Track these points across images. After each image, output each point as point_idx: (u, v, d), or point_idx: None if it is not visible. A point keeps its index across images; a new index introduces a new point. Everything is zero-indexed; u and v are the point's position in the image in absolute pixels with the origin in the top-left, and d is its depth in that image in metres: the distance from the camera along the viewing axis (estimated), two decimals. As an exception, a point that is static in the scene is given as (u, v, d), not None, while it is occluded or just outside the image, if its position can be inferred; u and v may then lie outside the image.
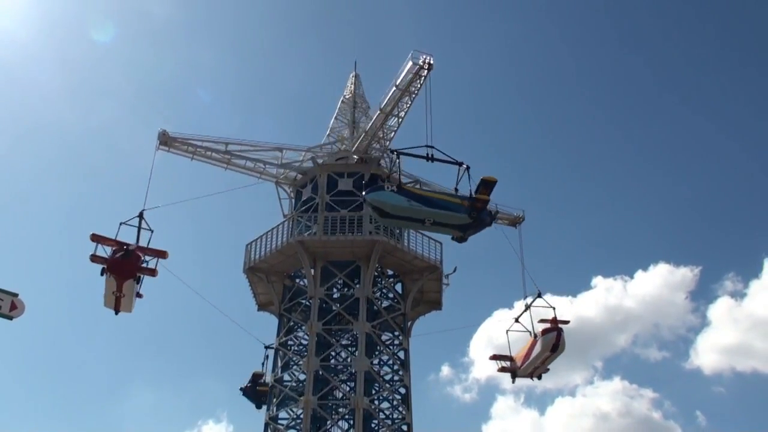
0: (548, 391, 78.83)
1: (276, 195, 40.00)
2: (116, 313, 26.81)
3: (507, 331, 31.23)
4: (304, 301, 37.36)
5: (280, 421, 35.76)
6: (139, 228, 25.77)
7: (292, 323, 37.46)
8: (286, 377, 36.69)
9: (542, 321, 30.02)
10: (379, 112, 36.10)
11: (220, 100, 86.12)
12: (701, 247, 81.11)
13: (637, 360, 72.50)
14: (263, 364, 38.93)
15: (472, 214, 22.49)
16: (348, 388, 36.01)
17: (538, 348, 30.11)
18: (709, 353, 76.37)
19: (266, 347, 38.52)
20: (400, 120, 35.94)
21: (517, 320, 31.18)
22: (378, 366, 36.93)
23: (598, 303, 73.70)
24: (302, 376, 35.87)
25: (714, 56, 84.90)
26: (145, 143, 77.88)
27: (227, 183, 38.95)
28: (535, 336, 30.49)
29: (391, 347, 37.35)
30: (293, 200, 39.77)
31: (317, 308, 35.66)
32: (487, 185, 21.97)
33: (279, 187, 39.99)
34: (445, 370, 70.62)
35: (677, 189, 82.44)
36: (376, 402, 36.28)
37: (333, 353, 37.11)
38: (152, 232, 25.62)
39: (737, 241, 79.65)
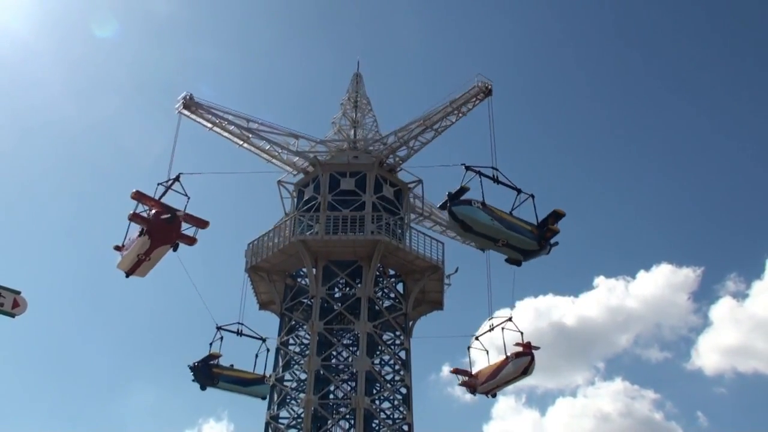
0: (549, 392, 79.02)
1: (278, 194, 40.05)
2: (127, 276, 26.16)
3: (468, 348, 34.42)
4: (305, 301, 37.36)
5: (280, 421, 35.74)
6: (168, 189, 24.84)
7: (293, 322, 37.45)
8: (287, 376, 36.68)
9: (517, 344, 32.24)
10: (421, 122, 36.87)
11: (222, 96, 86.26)
12: (704, 248, 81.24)
13: (639, 360, 72.60)
14: (211, 344, 36.70)
15: (541, 242, 23.63)
16: (349, 388, 36.01)
17: (509, 369, 32.25)
18: (710, 354, 76.52)
19: (218, 328, 36.85)
20: (437, 135, 37.06)
21: (477, 338, 34.03)
22: (379, 366, 36.92)
23: (599, 303, 73.82)
24: (303, 376, 35.87)
25: (717, 56, 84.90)
26: (148, 139, 78.01)
27: (235, 166, 38.49)
28: (507, 357, 32.71)
29: (392, 347, 37.35)
30: (295, 199, 39.77)
31: (318, 308, 35.65)
32: (557, 217, 22.73)
33: (281, 186, 40.00)
34: (446, 370, 70.54)
35: (680, 189, 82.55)
36: (377, 402, 36.28)
37: (334, 353, 37.12)
38: (188, 198, 24.85)
39: (740, 241, 79.74)
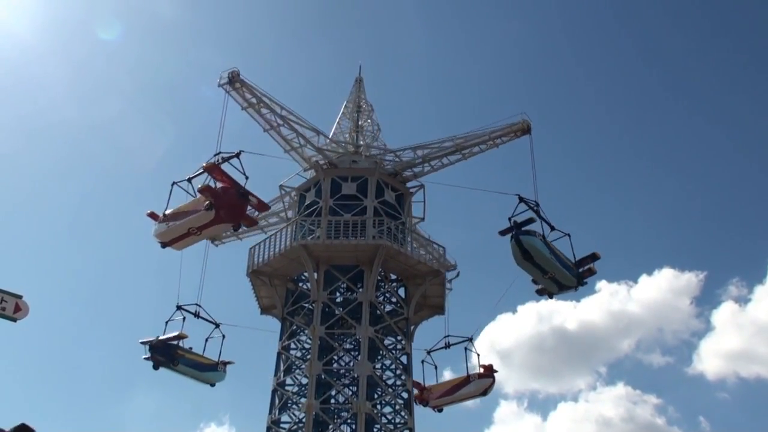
0: (551, 397, 78.87)
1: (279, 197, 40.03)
2: (163, 247, 25.29)
3: (423, 361, 35.58)
4: (307, 305, 37.38)
5: (282, 425, 35.71)
6: (224, 161, 23.92)
7: (294, 327, 37.44)
8: (289, 381, 36.68)
9: (481, 366, 34.71)
10: (453, 146, 37.51)
11: (225, 98, 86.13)
12: (706, 252, 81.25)
13: (640, 365, 72.47)
14: (167, 323, 33.96)
15: (580, 280, 25.21)
16: (350, 393, 36.00)
17: (470, 388, 34.46)
18: (712, 359, 76.38)
19: (178, 307, 33.91)
20: (463, 159, 37.71)
21: (429, 353, 35.62)
22: (380, 370, 36.91)
23: (602, 308, 73.71)
24: (305, 380, 35.85)
25: (720, 60, 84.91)
26: (151, 142, 78.16)
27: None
28: (469, 376, 34.78)
29: (393, 352, 37.33)
30: (297, 204, 39.79)
31: (320, 312, 35.66)
32: (594, 258, 24.96)
33: (282, 191, 40.02)
34: (447, 375, 70.35)
35: (683, 194, 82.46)
36: (379, 406, 36.24)
37: (335, 357, 37.08)
38: (247, 178, 24.04)
39: (742, 246, 79.65)
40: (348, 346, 37.10)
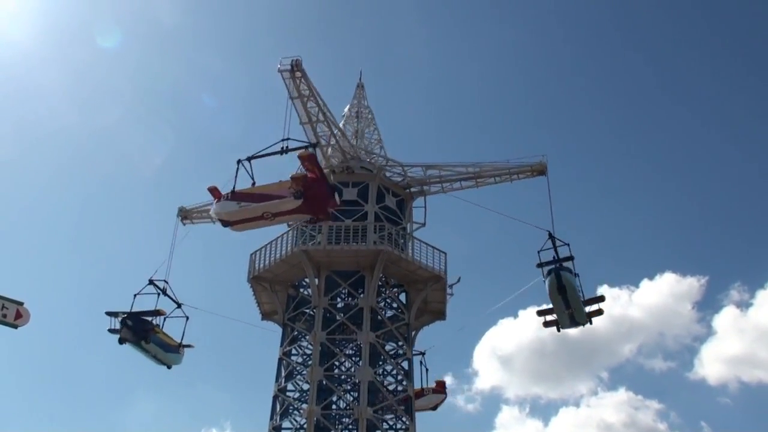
0: (553, 402, 78.79)
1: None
2: (224, 226, 24.42)
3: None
4: (308, 311, 37.38)
5: (283, 431, 35.69)
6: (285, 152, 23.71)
7: (296, 333, 37.43)
8: (290, 387, 36.66)
9: (437, 381, 38.48)
10: (467, 170, 38.18)
11: (225, 106, 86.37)
12: (708, 257, 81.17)
13: (642, 370, 72.38)
14: (136, 295, 31.55)
15: (588, 318, 26.91)
16: (351, 398, 35.95)
17: (423, 401, 37.58)
18: (714, 363, 76.24)
19: (150, 281, 31.60)
20: (475, 186, 38.32)
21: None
22: (382, 376, 36.88)
23: (603, 312, 73.40)
24: (306, 386, 35.82)
25: (722, 64, 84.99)
26: (150, 149, 78.26)
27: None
28: (423, 389, 37.79)
29: (394, 357, 37.32)
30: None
31: (321, 318, 35.65)
32: (601, 300, 26.76)
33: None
34: (448, 380, 70.34)
35: (684, 198, 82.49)
36: (380, 412, 36.20)
37: (337, 363, 37.07)
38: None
39: (744, 250, 79.65)
40: (349, 351, 37.08)
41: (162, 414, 70.57)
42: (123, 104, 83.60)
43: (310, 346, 36.70)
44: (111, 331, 30.53)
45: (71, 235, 78.29)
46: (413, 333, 38.07)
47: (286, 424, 35.87)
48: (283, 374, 36.65)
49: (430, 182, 39.27)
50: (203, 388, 72.89)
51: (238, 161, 24.19)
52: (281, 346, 37.16)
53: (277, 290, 37.81)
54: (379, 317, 36.73)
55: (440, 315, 38.84)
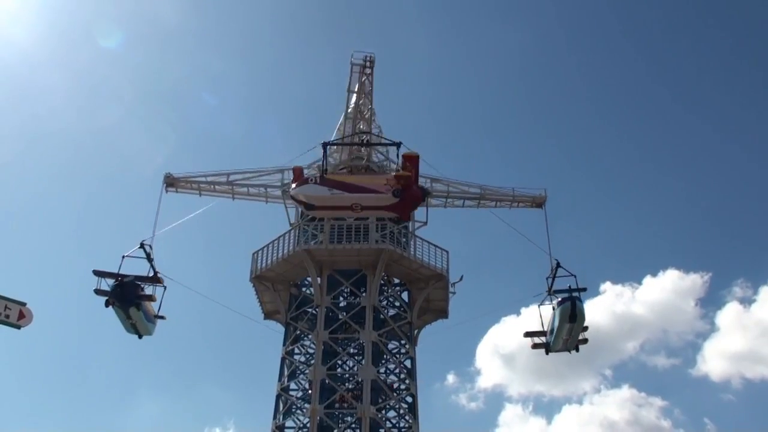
0: (556, 399, 78.71)
1: (282, 204, 40.01)
2: (307, 208, 23.95)
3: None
4: (310, 310, 37.40)
5: (286, 430, 35.74)
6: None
7: (298, 332, 37.47)
8: (293, 386, 36.70)
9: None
10: (477, 196, 38.23)
11: (226, 104, 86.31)
12: (711, 254, 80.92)
13: (645, 367, 72.26)
14: (124, 257, 27.35)
15: (577, 347, 27.18)
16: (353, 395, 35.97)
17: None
18: (717, 360, 76.21)
19: (142, 244, 27.43)
20: (477, 206, 38.34)
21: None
22: (384, 375, 36.90)
23: (606, 309, 73.42)
24: (309, 385, 35.85)
25: (725, 63, 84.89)
26: (151, 149, 78.21)
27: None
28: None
29: (397, 356, 37.33)
30: (299, 209, 39.76)
31: (323, 317, 35.68)
32: (586, 330, 26.80)
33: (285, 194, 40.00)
34: (451, 378, 70.42)
35: (687, 195, 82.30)
36: (383, 411, 36.23)
37: (339, 362, 37.08)
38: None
39: (747, 247, 79.43)
40: (352, 350, 37.09)
41: (165, 414, 70.56)
42: (124, 104, 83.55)
43: (312, 345, 36.75)
44: (97, 292, 27.38)
45: (72, 236, 78.22)
46: (416, 331, 38.07)
47: (289, 423, 35.92)
48: (285, 373, 36.69)
49: (434, 195, 39.21)
50: (206, 387, 72.90)
51: (324, 144, 23.93)
52: (284, 345, 37.18)
53: (279, 289, 37.83)
54: (381, 316, 36.75)
55: (443, 313, 38.84)
